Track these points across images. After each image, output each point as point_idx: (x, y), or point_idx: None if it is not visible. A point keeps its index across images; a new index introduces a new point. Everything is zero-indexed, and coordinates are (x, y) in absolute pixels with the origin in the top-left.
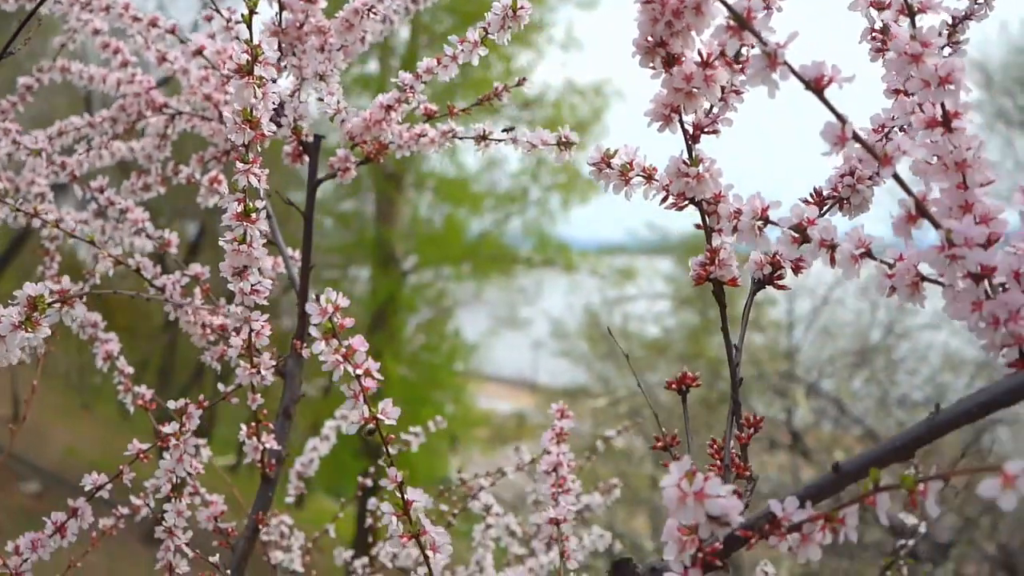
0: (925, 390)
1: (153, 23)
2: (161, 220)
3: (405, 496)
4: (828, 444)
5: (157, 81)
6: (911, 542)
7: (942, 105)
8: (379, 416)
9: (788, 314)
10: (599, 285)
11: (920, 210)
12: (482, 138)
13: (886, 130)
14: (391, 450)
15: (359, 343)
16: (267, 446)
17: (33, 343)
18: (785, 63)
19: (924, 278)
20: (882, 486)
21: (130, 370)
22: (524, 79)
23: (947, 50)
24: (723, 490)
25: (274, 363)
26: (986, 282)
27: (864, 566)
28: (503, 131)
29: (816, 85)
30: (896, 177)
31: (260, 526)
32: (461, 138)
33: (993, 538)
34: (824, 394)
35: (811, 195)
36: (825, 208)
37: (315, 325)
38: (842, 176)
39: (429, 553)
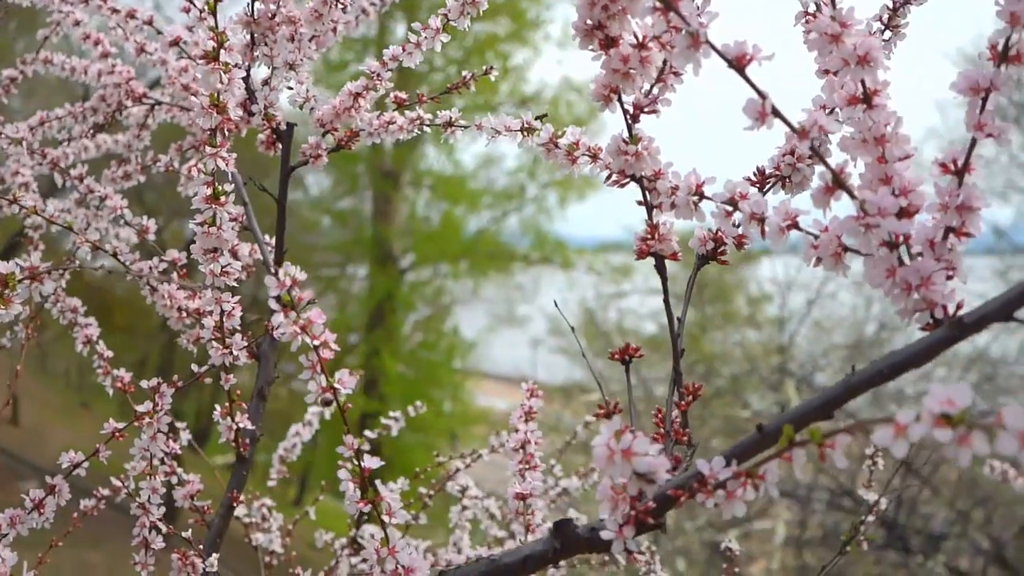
0: (918, 385)
1: (131, 15)
2: (159, 220)
3: (362, 463)
4: None
5: (149, 83)
6: (870, 518)
7: (862, 82)
8: (336, 386)
9: (781, 308)
10: (596, 282)
11: (837, 182)
12: (448, 124)
13: (826, 111)
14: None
15: (317, 315)
16: (241, 426)
17: (5, 319)
18: (707, 42)
19: (847, 248)
20: (796, 441)
21: (109, 354)
22: (491, 67)
23: (887, 33)
24: (650, 448)
25: (246, 344)
26: (904, 250)
27: (854, 559)
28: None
29: (738, 63)
30: (814, 150)
31: (234, 504)
32: (429, 125)
33: (986, 531)
34: (817, 388)
35: (753, 174)
36: (767, 186)
37: (273, 298)
38: (783, 155)
39: (385, 518)
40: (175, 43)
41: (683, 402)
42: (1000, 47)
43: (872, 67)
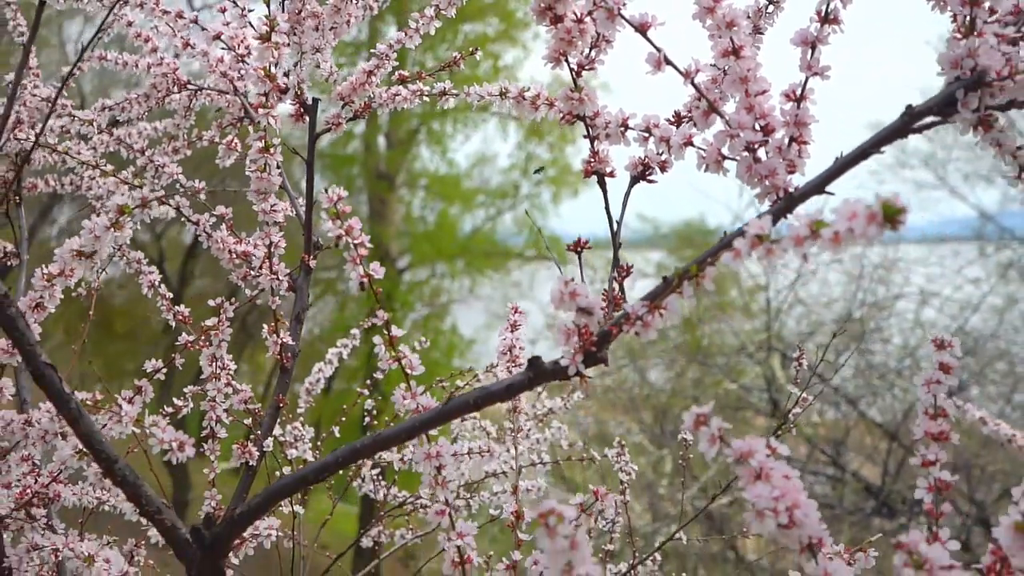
0: (903, 361)
1: (179, 15)
2: (159, 225)
3: (391, 333)
4: (808, 412)
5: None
6: (797, 410)
7: (731, 40)
8: (371, 272)
9: (765, 288)
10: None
11: (712, 108)
12: (443, 93)
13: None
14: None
15: (356, 223)
16: (284, 342)
17: (121, 241)
18: (619, 14)
19: (724, 156)
20: (683, 276)
21: (170, 295)
22: (476, 49)
23: (771, 7)
24: (589, 291)
25: (288, 271)
26: (762, 153)
27: (839, 528)
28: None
29: (642, 28)
30: (695, 87)
31: (280, 405)
32: (428, 95)
33: (968, 496)
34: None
35: (673, 115)
36: (683, 124)
37: (324, 209)
38: (694, 100)
39: (408, 371)
40: (217, 37)
41: (620, 277)
42: (823, 12)
43: (737, 29)
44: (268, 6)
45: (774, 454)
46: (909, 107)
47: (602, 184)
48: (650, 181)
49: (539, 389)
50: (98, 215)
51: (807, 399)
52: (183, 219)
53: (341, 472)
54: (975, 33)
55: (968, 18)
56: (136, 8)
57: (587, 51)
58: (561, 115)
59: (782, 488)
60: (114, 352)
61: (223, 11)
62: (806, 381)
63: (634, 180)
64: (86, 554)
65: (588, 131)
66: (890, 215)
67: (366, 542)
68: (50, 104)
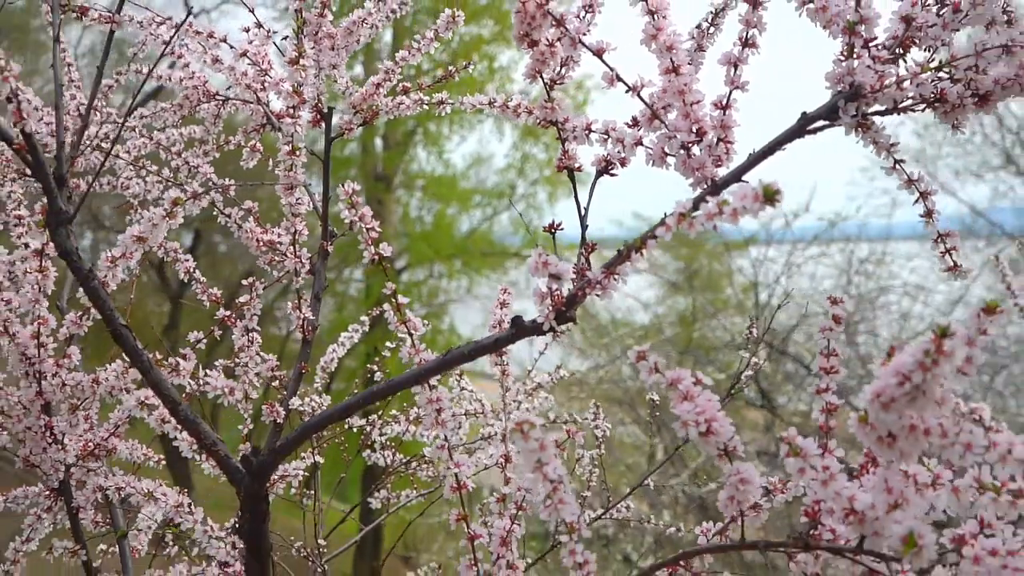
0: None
1: (211, 35)
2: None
3: (398, 300)
4: (796, 404)
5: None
6: (748, 374)
7: (671, 59)
8: (380, 252)
9: (754, 277)
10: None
11: (654, 115)
12: (441, 103)
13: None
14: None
15: (368, 210)
16: (306, 316)
17: (174, 226)
18: (580, 42)
19: (667, 153)
20: (631, 247)
21: (203, 279)
22: (468, 63)
23: (712, 29)
24: (559, 260)
25: (310, 255)
26: (696, 150)
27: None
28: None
29: (598, 52)
30: (640, 97)
31: (303, 371)
32: (428, 104)
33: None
34: (789, 354)
35: (631, 119)
36: (636, 127)
37: (341, 200)
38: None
39: (413, 332)
40: (243, 54)
41: (587, 252)
42: (743, 38)
43: (676, 51)
44: (298, 33)
45: (699, 384)
46: (804, 113)
47: (571, 177)
48: (612, 175)
49: (529, 368)
50: (135, 211)
51: (758, 363)
52: (216, 212)
53: (356, 430)
54: (853, 55)
55: (848, 44)
56: (172, 29)
57: (558, 69)
58: (538, 121)
59: (703, 406)
60: (116, 354)
61: (246, 30)
62: (756, 344)
63: (599, 173)
64: (146, 491)
65: (560, 134)
66: (769, 195)
67: (374, 503)
68: (97, 114)
